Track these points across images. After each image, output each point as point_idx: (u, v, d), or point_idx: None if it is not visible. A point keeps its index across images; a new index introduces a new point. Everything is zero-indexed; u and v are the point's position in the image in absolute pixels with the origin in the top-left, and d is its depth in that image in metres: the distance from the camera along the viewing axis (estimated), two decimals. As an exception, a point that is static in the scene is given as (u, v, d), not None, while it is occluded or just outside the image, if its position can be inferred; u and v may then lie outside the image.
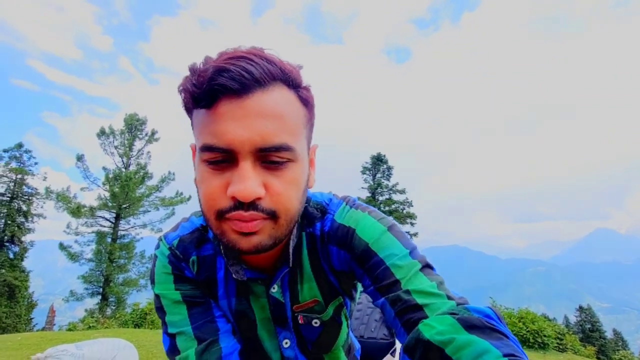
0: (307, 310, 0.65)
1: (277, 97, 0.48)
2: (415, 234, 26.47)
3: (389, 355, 1.57)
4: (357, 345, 0.94)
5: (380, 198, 27.32)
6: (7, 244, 21.06)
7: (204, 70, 0.46)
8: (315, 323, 0.66)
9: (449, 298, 0.52)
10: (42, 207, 22.45)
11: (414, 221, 26.31)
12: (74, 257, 19.31)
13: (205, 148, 0.48)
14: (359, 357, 0.90)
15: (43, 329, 18.91)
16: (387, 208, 26.59)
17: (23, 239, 21.51)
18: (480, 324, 0.41)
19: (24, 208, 21.96)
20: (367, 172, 28.17)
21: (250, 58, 0.47)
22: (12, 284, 19.52)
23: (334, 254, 0.63)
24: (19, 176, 21.99)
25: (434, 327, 0.43)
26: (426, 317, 0.48)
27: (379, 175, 27.86)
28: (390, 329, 1.73)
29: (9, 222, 21.06)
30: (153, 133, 22.07)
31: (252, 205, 0.47)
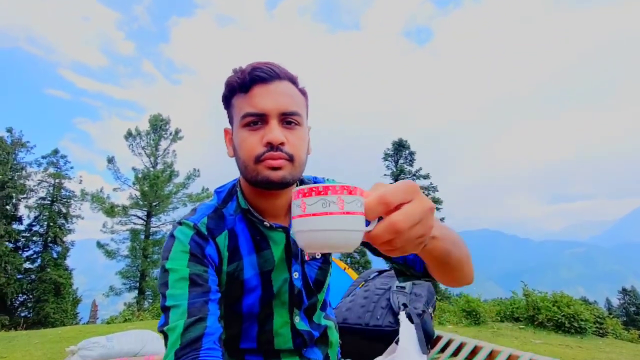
0: None
1: (288, 86, 0.75)
2: (442, 219, 25.83)
3: (393, 344, 1.51)
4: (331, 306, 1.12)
5: (404, 184, 26.90)
6: (51, 244, 22.50)
7: (244, 69, 0.74)
8: (318, 255, 0.86)
9: None
10: (79, 208, 23.75)
11: (439, 206, 25.73)
12: (110, 254, 20.39)
13: (247, 115, 0.72)
14: (332, 315, 1.03)
15: (87, 322, 20.17)
16: (411, 194, 26.16)
17: (64, 239, 22.89)
18: None
19: (64, 210, 23.30)
20: (389, 158, 27.71)
21: (271, 64, 0.74)
22: (58, 281, 20.88)
23: None
24: (57, 180, 23.31)
25: None
26: None
27: (401, 161, 27.35)
28: (395, 316, 1.67)
29: (51, 224, 22.44)
30: (177, 132, 22.71)
31: (278, 148, 0.70)
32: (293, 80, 0.77)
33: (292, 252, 0.82)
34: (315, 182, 0.91)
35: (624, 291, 25.51)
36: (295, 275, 0.83)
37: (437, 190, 26.30)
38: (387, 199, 0.42)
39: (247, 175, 0.74)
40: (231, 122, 0.79)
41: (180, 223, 0.78)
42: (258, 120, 0.72)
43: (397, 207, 0.43)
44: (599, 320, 7.20)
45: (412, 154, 27.31)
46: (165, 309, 0.67)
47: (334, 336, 0.96)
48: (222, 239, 0.77)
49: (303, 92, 0.80)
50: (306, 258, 0.85)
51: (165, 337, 0.64)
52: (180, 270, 0.69)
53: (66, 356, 3.72)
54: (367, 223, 0.44)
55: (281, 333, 0.82)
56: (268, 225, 0.79)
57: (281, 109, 0.72)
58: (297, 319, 0.84)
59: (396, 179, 26.79)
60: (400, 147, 27.39)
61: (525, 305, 7.61)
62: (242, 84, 0.73)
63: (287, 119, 0.73)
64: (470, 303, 7.69)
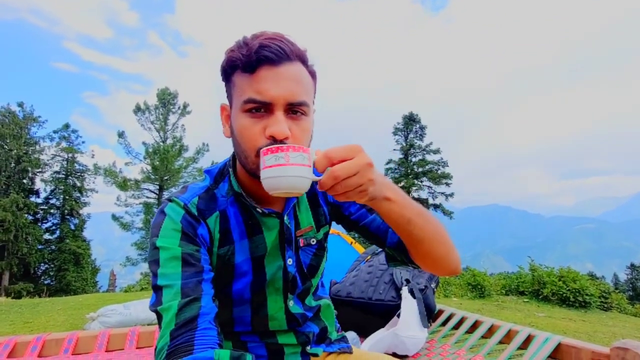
0: (305, 234, 0.84)
1: (298, 68, 0.68)
2: (451, 195, 25.79)
3: (395, 317, 1.56)
4: (327, 291, 1.14)
5: (414, 159, 26.59)
6: (68, 217, 23.26)
7: (250, 45, 0.65)
8: (313, 241, 0.85)
9: None
10: (93, 182, 24.34)
11: (449, 181, 25.54)
12: (125, 226, 21.00)
13: (250, 101, 0.66)
14: (326, 293, 1.03)
15: (107, 290, 21.13)
16: (420, 169, 25.92)
17: (80, 211, 23.61)
18: None
19: (78, 184, 23.89)
20: (399, 132, 27.30)
21: (282, 39, 0.66)
22: (76, 252, 21.76)
23: None
24: (70, 155, 23.74)
25: None
26: None
27: (411, 135, 26.93)
28: (398, 291, 1.72)
29: (67, 197, 23.09)
30: (185, 106, 22.63)
31: (282, 142, 0.64)
32: (303, 59, 0.70)
33: (286, 238, 0.80)
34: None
35: (632, 267, 25.45)
36: (289, 261, 0.81)
37: (447, 165, 26.01)
38: (330, 155, 0.55)
39: (247, 166, 0.71)
40: (230, 100, 0.73)
41: (170, 200, 0.74)
42: (262, 107, 0.66)
43: (340, 163, 0.55)
44: (604, 295, 7.25)
45: (422, 128, 26.83)
46: (157, 288, 0.65)
47: (329, 310, 0.97)
48: (213, 221, 0.75)
49: (312, 74, 0.73)
50: (301, 244, 0.83)
51: (159, 317, 0.63)
52: (171, 249, 0.67)
53: (87, 322, 3.95)
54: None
55: (276, 317, 0.82)
56: (260, 211, 0.76)
57: (288, 98, 0.66)
58: (291, 303, 0.83)
59: (406, 154, 26.51)
60: (410, 121, 26.89)
61: (531, 279, 7.69)
62: (247, 62, 0.65)
63: (294, 109, 0.68)
64: (476, 277, 7.80)
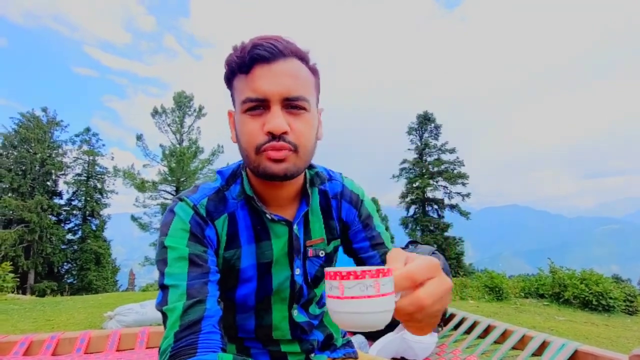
0: (315, 245, 0.83)
1: (294, 65, 0.67)
2: (468, 195, 25.30)
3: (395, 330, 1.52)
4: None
5: (429, 159, 26.22)
6: (89, 217, 23.97)
7: (243, 47, 0.65)
8: (321, 254, 0.83)
9: None
10: (113, 184, 25.02)
11: (465, 181, 25.07)
12: (144, 227, 21.49)
13: (247, 100, 0.65)
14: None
15: (126, 289, 21.67)
16: (436, 169, 25.53)
17: (101, 212, 24.31)
18: None
19: (99, 185, 24.60)
20: (414, 132, 26.97)
21: (276, 38, 0.66)
22: (97, 251, 22.40)
23: (346, 208, 0.86)
24: (91, 157, 24.49)
25: None
26: None
27: (426, 134, 26.57)
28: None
29: (88, 198, 23.82)
30: (200, 109, 23.00)
31: (281, 137, 0.64)
32: (301, 57, 0.69)
33: (295, 248, 0.79)
34: (330, 177, 0.88)
35: (661, 269, 24.34)
36: (297, 271, 0.80)
37: (464, 165, 25.54)
38: (414, 276, 0.46)
39: (249, 165, 0.70)
40: (233, 104, 0.74)
41: (180, 199, 0.74)
42: (259, 105, 0.65)
43: (422, 284, 0.46)
44: (629, 298, 6.96)
45: (437, 127, 26.42)
46: (164, 287, 0.65)
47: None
48: (221, 223, 0.75)
49: (313, 71, 0.72)
50: (309, 254, 0.82)
51: (164, 317, 0.63)
52: (179, 249, 0.68)
53: (105, 320, 4.06)
54: None
55: (279, 327, 0.81)
56: (270, 217, 0.75)
57: (284, 93, 0.64)
58: (295, 312, 0.82)
59: (420, 153, 26.17)
60: (425, 120, 26.54)
61: (551, 282, 7.46)
62: (241, 64, 0.66)
63: (292, 104, 0.66)
64: (494, 279, 7.61)
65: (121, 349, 1.53)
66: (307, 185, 0.81)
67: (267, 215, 0.75)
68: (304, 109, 0.67)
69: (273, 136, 0.64)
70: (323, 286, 0.88)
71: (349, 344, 0.99)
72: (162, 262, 0.68)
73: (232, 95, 0.73)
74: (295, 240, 0.79)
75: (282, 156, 0.65)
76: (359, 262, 0.87)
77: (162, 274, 0.67)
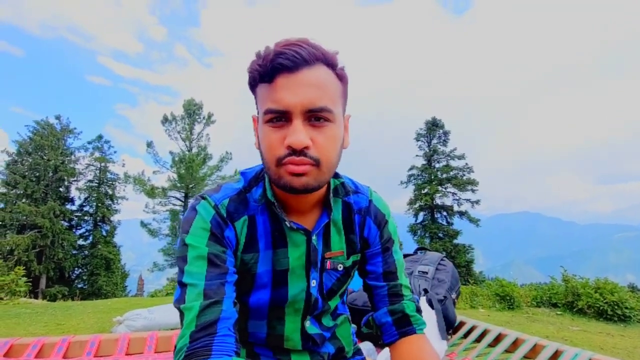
0: (334, 258, 0.81)
1: (320, 73, 0.64)
2: (477, 202, 24.99)
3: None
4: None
5: (437, 165, 26.02)
6: (100, 223, 24.29)
7: (267, 54, 0.63)
8: (340, 267, 0.82)
9: (411, 291, 0.88)
10: (124, 190, 25.34)
11: (475, 188, 24.78)
12: (153, 233, 21.69)
13: (268, 111, 0.64)
14: (346, 310, 1.02)
15: (135, 295, 21.79)
16: (444, 175, 25.31)
17: (112, 218, 24.62)
18: (419, 307, 0.85)
19: (110, 192, 24.95)
20: (422, 138, 26.82)
21: (300, 44, 0.63)
22: (108, 257, 22.64)
23: (369, 225, 0.84)
24: (103, 164, 24.89)
25: (409, 307, 0.83)
26: (403, 299, 0.84)
27: (434, 141, 26.40)
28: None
29: (99, 204, 24.15)
30: (209, 116, 23.28)
31: (302, 152, 0.62)
32: (328, 62, 0.65)
33: (312, 258, 0.78)
34: (356, 190, 0.86)
35: (680, 279, 23.59)
36: (313, 283, 0.79)
37: (473, 171, 25.29)
38: None
39: (270, 177, 0.68)
40: (257, 111, 0.72)
41: (203, 197, 0.74)
42: (281, 117, 0.63)
43: None
44: (646, 308, 6.76)
45: (446, 133, 26.25)
46: (182, 285, 0.66)
47: (346, 326, 0.94)
48: (240, 225, 0.74)
49: (341, 77, 0.68)
50: (327, 266, 0.81)
51: (181, 315, 0.64)
52: (199, 248, 0.68)
53: (114, 325, 4.09)
54: None
55: (291, 338, 0.81)
56: (289, 225, 0.74)
57: (307, 105, 0.62)
58: (307, 324, 0.82)
59: (429, 160, 26.00)
60: (433, 126, 26.40)
61: (564, 290, 7.29)
62: (264, 72, 0.64)
63: (316, 115, 0.63)
64: (505, 287, 7.47)
65: (130, 352, 1.54)
66: (331, 195, 0.79)
67: (287, 223, 0.74)
68: (328, 120, 0.65)
69: (294, 150, 0.62)
70: (337, 299, 0.88)
71: (358, 352, 0.98)
72: (182, 259, 0.69)
73: (255, 102, 0.73)
74: (313, 251, 0.78)
75: (303, 170, 0.63)
76: (366, 287, 0.87)
77: (181, 271, 0.68)
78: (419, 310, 0.86)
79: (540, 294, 7.88)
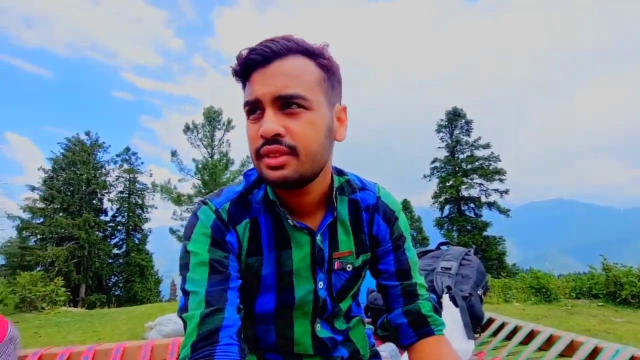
0: (342, 258, 0.79)
1: (294, 63, 0.63)
2: (506, 191, 24.17)
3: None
4: (364, 301, 1.11)
5: (461, 156, 25.35)
6: (132, 232, 25.30)
7: (241, 55, 0.64)
8: (349, 267, 0.79)
9: (426, 290, 0.86)
10: (152, 199, 26.29)
11: (503, 177, 23.99)
12: (182, 239, 22.34)
13: (245, 104, 0.65)
14: (362, 309, 1.00)
15: (169, 300, 22.55)
16: (469, 166, 24.62)
17: (143, 227, 25.60)
18: (436, 306, 0.83)
19: (139, 201, 25.95)
20: (443, 129, 26.24)
21: (274, 40, 0.63)
22: (141, 264, 23.56)
23: (378, 223, 0.81)
24: (132, 175, 25.91)
25: (425, 307, 0.80)
26: (418, 299, 0.82)
27: (457, 131, 25.76)
28: (439, 299, 1.59)
29: (130, 214, 25.16)
30: (229, 122, 23.75)
31: (275, 140, 0.60)
32: (307, 53, 0.65)
33: (317, 259, 0.75)
34: (363, 186, 0.83)
35: None
36: (320, 284, 0.77)
37: (500, 160, 24.47)
38: None
39: (256, 170, 0.68)
40: None
41: (204, 202, 0.72)
42: (256, 108, 0.64)
43: None
44: (699, 296, 6.27)
45: (468, 122, 25.56)
46: (185, 293, 0.65)
47: (359, 328, 0.91)
48: (242, 228, 0.72)
49: (323, 66, 0.66)
50: (335, 267, 0.78)
51: (184, 324, 0.63)
52: (200, 254, 0.67)
53: (146, 330, 4.22)
54: None
55: (301, 342, 0.79)
56: (292, 224, 0.72)
57: (275, 92, 0.61)
58: (318, 327, 0.79)
59: (452, 151, 25.38)
60: (455, 116, 25.76)
61: (605, 280, 6.89)
62: (240, 72, 0.65)
63: (287, 102, 0.61)
64: (540, 279, 7.16)
65: (154, 359, 1.56)
66: (334, 193, 0.77)
67: (289, 221, 0.72)
68: (304, 107, 0.62)
69: (267, 140, 0.61)
70: (349, 301, 0.85)
71: (375, 354, 0.94)
72: (184, 266, 0.68)
73: None
74: (319, 251, 0.75)
75: (280, 162, 0.61)
76: (380, 287, 0.85)
77: (183, 279, 0.67)
78: (436, 310, 0.81)
79: (580, 285, 7.50)
